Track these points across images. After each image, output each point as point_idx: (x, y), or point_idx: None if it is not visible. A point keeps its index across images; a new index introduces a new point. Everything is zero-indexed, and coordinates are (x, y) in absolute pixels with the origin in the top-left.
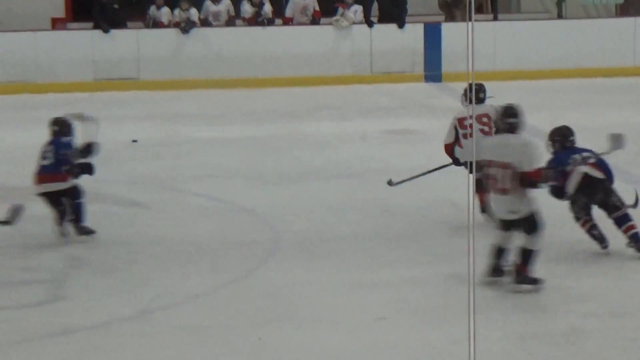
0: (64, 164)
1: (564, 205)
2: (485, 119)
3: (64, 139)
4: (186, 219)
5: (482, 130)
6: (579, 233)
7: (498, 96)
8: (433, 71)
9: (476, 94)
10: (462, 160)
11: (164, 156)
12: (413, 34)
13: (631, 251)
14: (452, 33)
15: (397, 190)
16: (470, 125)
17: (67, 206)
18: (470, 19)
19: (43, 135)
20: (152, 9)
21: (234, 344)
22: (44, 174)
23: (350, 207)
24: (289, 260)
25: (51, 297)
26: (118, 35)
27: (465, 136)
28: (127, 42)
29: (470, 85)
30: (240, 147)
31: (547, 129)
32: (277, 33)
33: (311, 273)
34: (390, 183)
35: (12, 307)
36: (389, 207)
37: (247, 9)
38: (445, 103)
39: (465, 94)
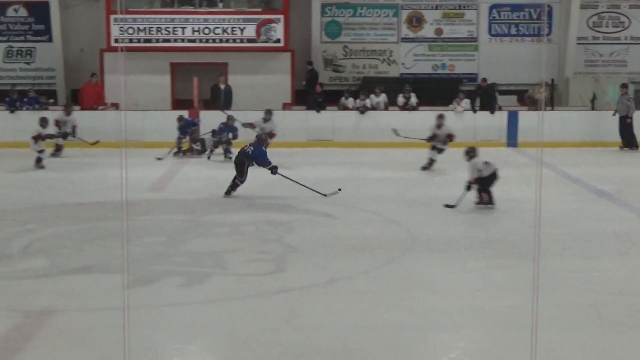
0: None
1: None
2: None
3: None
4: (357, 224)
5: None
6: None
7: (558, 157)
8: (512, 140)
9: None
10: None
11: (348, 187)
12: (500, 117)
13: None
14: (525, 117)
15: (490, 212)
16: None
17: None
18: (541, 109)
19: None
20: (342, 99)
21: (387, 301)
22: None
23: (459, 221)
24: (420, 252)
25: (276, 269)
26: (321, 114)
27: None
28: (327, 118)
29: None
30: (392, 183)
31: (580, 175)
32: (418, 116)
33: (433, 261)
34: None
35: (252, 274)
36: (484, 222)
37: (400, 99)
38: (519, 160)
39: None
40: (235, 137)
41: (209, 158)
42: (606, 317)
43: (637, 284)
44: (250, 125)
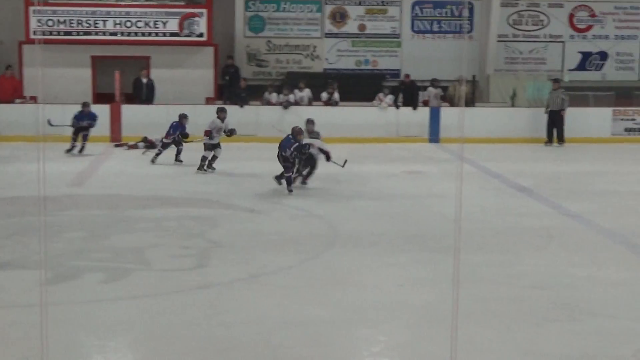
0: None
1: None
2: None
3: None
4: (281, 220)
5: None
6: None
7: (479, 153)
8: (434, 136)
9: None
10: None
11: (272, 183)
12: (422, 113)
13: None
14: (446, 113)
15: (412, 207)
16: None
17: None
18: (462, 105)
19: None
20: (266, 94)
21: (310, 296)
22: None
23: (381, 216)
24: (343, 248)
25: (198, 265)
26: (245, 109)
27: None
28: (250, 113)
29: None
30: (315, 178)
31: (500, 171)
32: (341, 111)
33: (356, 256)
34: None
35: (174, 269)
36: (406, 217)
37: (324, 95)
38: (440, 156)
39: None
40: (186, 135)
41: (153, 162)
42: (525, 310)
43: (555, 278)
44: (207, 134)
